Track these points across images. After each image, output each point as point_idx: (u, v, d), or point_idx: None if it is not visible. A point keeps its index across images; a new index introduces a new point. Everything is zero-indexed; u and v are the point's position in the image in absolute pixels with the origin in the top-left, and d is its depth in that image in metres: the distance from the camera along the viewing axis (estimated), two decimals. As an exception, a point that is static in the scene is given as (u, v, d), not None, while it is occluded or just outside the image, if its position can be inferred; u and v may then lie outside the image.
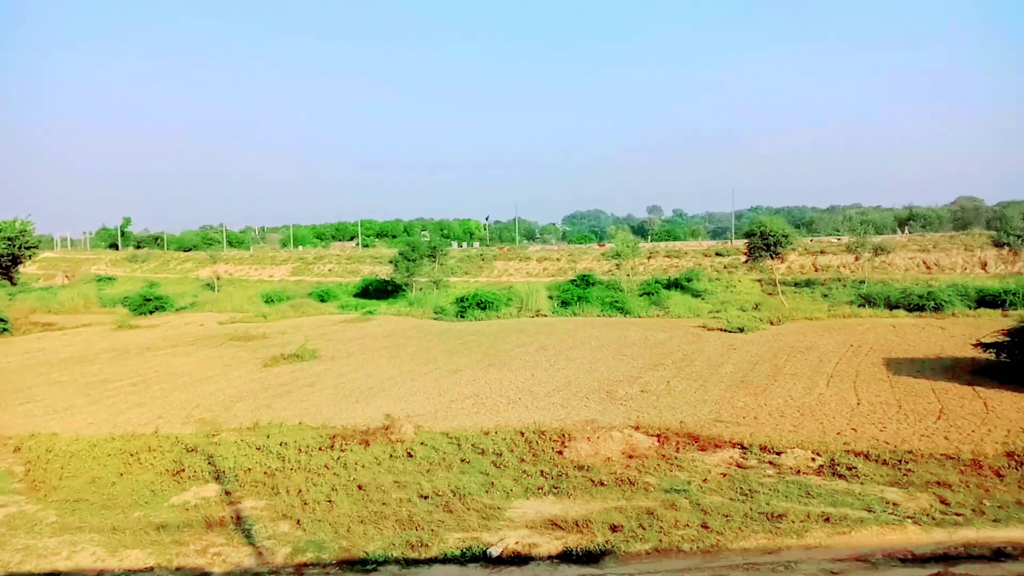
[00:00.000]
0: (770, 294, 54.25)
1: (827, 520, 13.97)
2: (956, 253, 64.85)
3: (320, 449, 19.72)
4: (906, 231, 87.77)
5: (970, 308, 43.15)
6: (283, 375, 31.20)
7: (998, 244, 57.58)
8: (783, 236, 51.05)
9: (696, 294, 55.56)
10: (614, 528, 13.95)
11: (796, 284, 57.62)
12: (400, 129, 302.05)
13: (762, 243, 51.31)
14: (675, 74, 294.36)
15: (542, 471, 17.36)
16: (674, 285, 58.15)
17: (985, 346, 26.83)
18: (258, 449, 19.84)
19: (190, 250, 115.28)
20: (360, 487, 16.88)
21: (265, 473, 18.17)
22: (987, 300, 43.76)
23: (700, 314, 46.17)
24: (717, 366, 29.20)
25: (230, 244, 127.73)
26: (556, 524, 14.35)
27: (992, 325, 34.46)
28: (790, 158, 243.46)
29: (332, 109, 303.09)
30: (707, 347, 33.78)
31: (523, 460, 18.25)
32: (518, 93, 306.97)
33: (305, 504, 15.99)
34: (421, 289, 63.35)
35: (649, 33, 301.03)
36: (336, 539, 14.25)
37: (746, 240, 54.58)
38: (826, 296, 52.10)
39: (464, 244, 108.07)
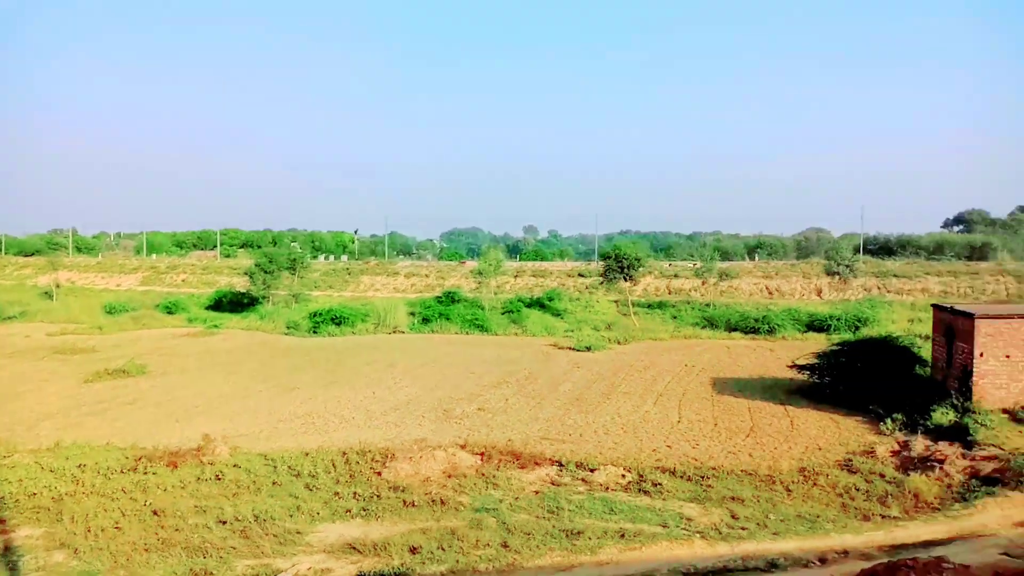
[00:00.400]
0: (625, 315, 56.07)
1: (622, 536, 14.36)
2: (795, 280, 69.76)
3: (122, 472, 18.42)
4: (756, 258, 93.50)
5: (800, 332, 46.26)
6: (103, 392, 29.08)
7: (830, 273, 62.36)
8: (636, 259, 53.08)
9: (556, 313, 56.63)
10: (413, 550, 13.74)
11: (649, 306, 59.88)
12: (275, 135, 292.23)
13: (617, 266, 53.12)
14: (552, 100, 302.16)
15: (355, 493, 16.93)
16: (536, 304, 59.01)
17: (800, 367, 28.74)
18: (52, 472, 18.29)
19: (32, 255, 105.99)
20: (156, 512, 15.84)
21: (53, 498, 16.70)
22: (816, 324, 47.03)
23: (555, 333, 47.05)
24: (558, 384, 29.75)
25: (79, 250, 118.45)
26: (355, 548, 13.97)
27: (815, 348, 36.98)
28: (661, 187, 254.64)
29: (203, 110, 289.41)
30: (553, 365, 34.40)
31: (339, 482, 17.76)
32: (402, 108, 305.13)
33: (89, 531, 14.80)
34: (275, 303, 61.05)
35: (525, 58, 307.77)
36: (114, 569, 13.25)
37: (603, 262, 56.31)
38: (675, 318, 54.42)
39: (333, 257, 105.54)
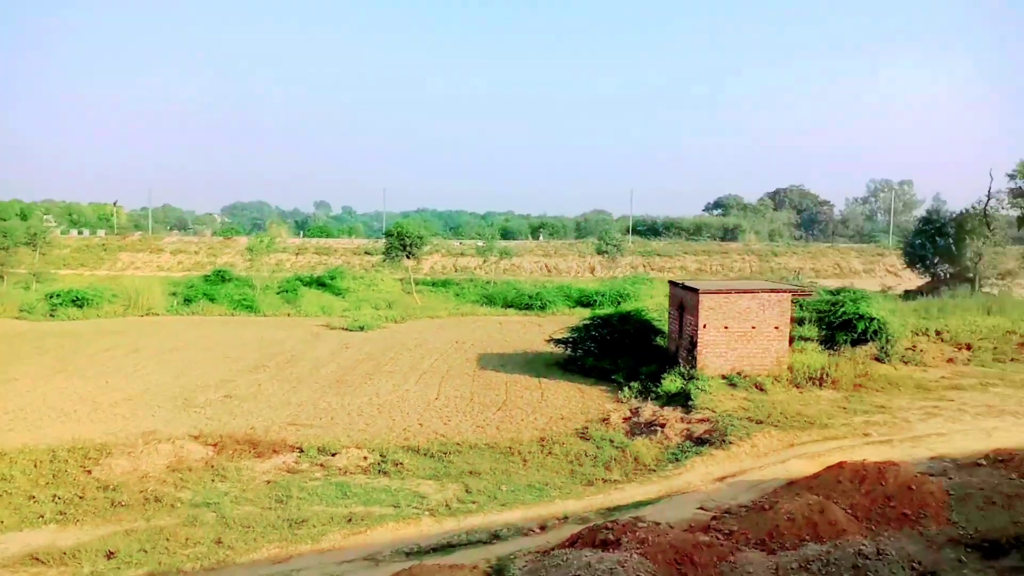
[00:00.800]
0: (408, 293, 55.82)
1: (350, 521, 13.95)
2: (572, 259, 73.66)
3: None
4: (540, 238, 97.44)
5: (570, 307, 48.62)
6: None
7: (600, 252, 66.36)
8: (419, 238, 52.93)
9: (337, 292, 55.00)
10: (110, 555, 12.39)
11: (434, 284, 60.17)
12: (24, 91, 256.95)
13: (399, 244, 52.64)
14: (344, 70, 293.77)
15: (56, 495, 15.03)
16: (316, 283, 57.00)
17: (556, 341, 30.04)
18: None
19: None
20: None
21: None
22: (584, 300, 49.70)
23: (333, 313, 45.63)
24: (321, 366, 28.74)
25: None
26: (39, 559, 12.33)
27: (577, 322, 38.99)
28: (458, 166, 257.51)
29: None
30: (321, 346, 33.25)
31: (38, 484, 15.69)
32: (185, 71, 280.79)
33: None
34: (11, 284, 53.62)
35: (313, 24, 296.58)
36: None
37: (385, 240, 55.62)
38: (458, 295, 55.08)
39: (88, 232, 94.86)
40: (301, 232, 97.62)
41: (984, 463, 14.99)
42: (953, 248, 50.04)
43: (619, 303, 47.46)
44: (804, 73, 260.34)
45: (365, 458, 17.55)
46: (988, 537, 11.74)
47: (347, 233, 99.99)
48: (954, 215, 53.11)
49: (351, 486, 15.83)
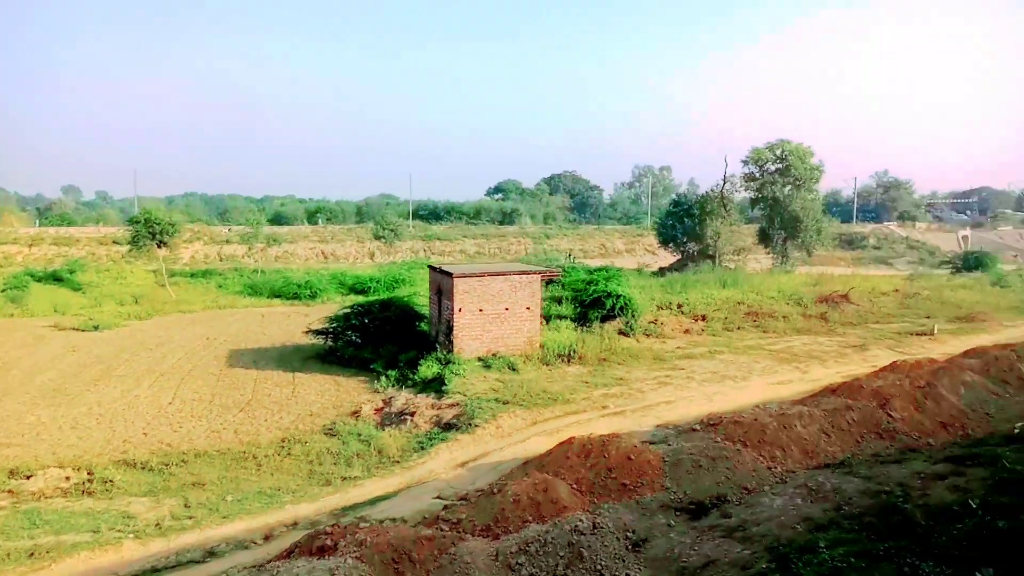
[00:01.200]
0: (162, 285, 50.95)
1: (31, 555, 12.00)
2: (350, 244, 71.50)
3: None
4: (319, 223, 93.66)
5: (343, 295, 46.94)
6: None
7: (378, 237, 65.05)
8: (170, 225, 48.32)
9: (77, 287, 48.79)
10: None
11: (193, 274, 55.41)
12: None
13: (147, 231, 47.69)
14: (104, 47, 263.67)
15: None
16: (51, 277, 50.19)
17: (315, 332, 28.67)
18: None
19: None
20: None
21: None
22: (358, 287, 48.21)
23: (67, 311, 40.34)
24: (38, 373, 25.09)
25: None
26: None
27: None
28: (229, 148, 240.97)
29: None
30: (43, 351, 29.10)
31: None
32: None
33: None
34: None
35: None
36: None
37: (130, 228, 50.20)
38: (221, 286, 51.15)
39: None
40: (38, 221, 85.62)
41: (698, 428, 16.12)
42: (697, 228, 54.83)
43: (394, 289, 46.73)
44: (576, 60, 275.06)
45: (68, 478, 15.35)
46: (695, 499, 12.54)
47: (95, 221, 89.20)
48: (698, 198, 58.27)
49: (43, 513, 13.70)
